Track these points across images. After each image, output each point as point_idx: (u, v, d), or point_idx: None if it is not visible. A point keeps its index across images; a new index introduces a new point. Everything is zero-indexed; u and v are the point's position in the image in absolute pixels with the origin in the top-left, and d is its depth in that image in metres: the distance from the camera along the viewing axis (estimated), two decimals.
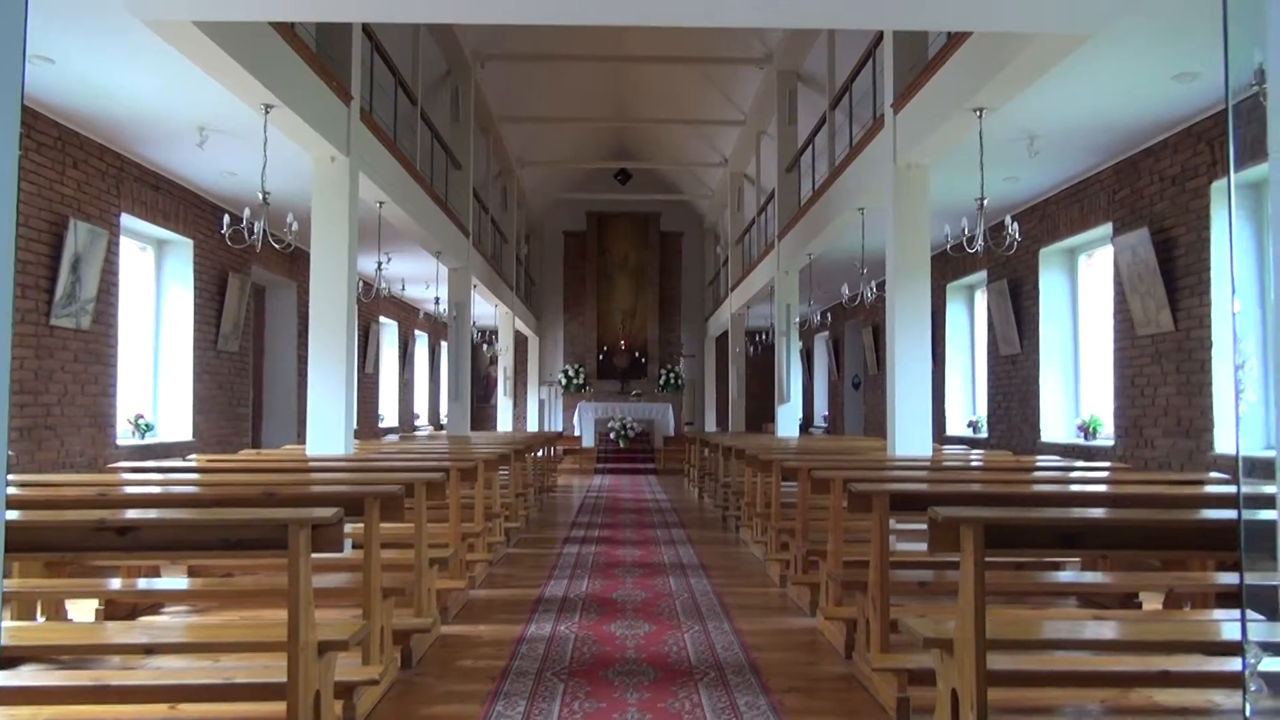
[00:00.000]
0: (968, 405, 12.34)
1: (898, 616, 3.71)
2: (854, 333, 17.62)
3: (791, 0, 4.36)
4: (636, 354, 22.44)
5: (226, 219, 6.28)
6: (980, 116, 5.97)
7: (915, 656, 3.71)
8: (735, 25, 5.65)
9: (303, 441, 10.12)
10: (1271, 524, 1.20)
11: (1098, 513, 3.44)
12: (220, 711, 3.58)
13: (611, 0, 4.47)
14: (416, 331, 19.71)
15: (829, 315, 13.52)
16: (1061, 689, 3.65)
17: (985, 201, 6.05)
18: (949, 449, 9.18)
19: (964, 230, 6.18)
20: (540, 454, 12.70)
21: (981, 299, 11.68)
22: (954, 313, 12.38)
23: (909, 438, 7.26)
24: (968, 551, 2.95)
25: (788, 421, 13.42)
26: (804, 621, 5.37)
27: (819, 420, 21.76)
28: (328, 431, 7.13)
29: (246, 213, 6.08)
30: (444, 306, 13.25)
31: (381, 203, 8.82)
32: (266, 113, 6.09)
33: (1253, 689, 1.23)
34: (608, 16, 4.56)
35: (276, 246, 6.25)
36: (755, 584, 6.55)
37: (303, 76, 6.46)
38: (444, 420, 21.11)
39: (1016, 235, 6.11)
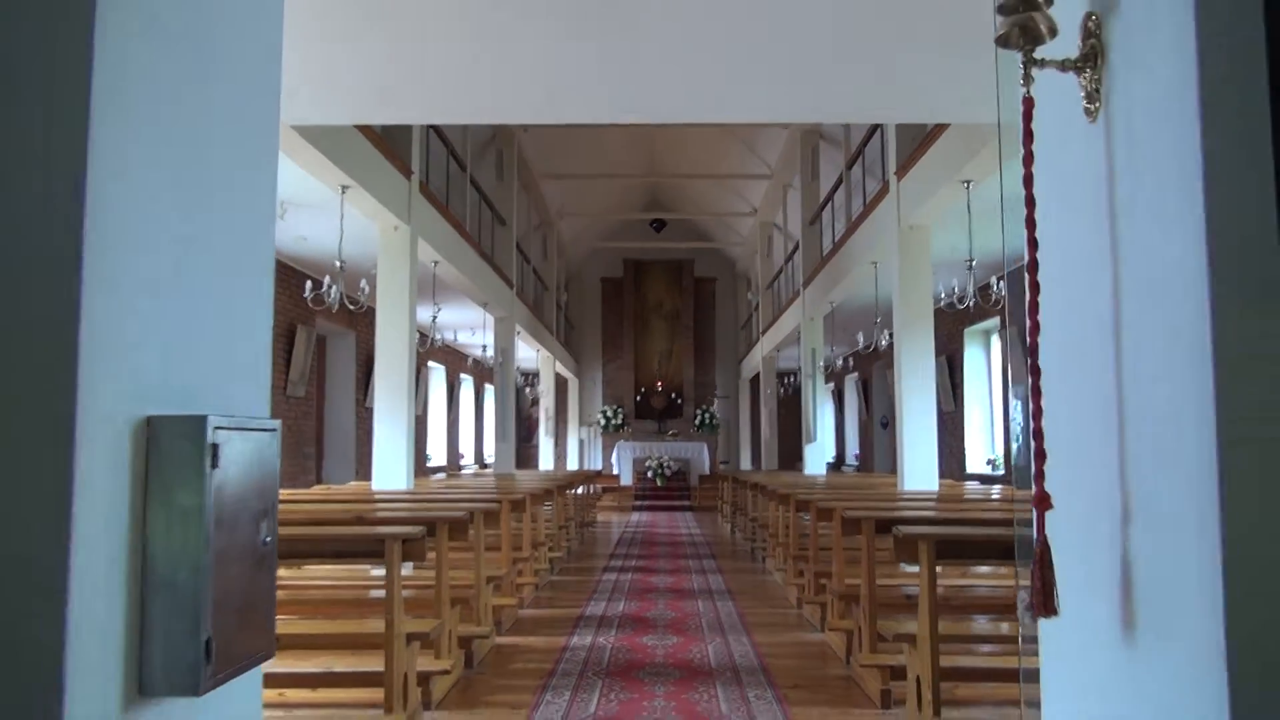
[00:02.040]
0: (988, 444, 12.93)
1: (882, 623, 4.42)
2: (881, 375, 18.27)
3: (784, 101, 5.20)
4: (672, 395, 23.22)
5: (309, 284, 7.22)
6: (969, 188, 6.73)
7: (897, 657, 4.41)
8: (734, 122, 6.48)
9: (361, 478, 11.03)
10: None
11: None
12: (318, 698, 4.38)
13: (629, 103, 5.34)
14: (463, 375, 20.70)
15: (851, 360, 14.22)
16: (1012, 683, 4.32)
17: (974, 262, 6.80)
18: (969, 485, 9.81)
19: (955, 289, 6.94)
20: (580, 491, 13.48)
21: (997, 343, 12.33)
22: (972, 356, 13.02)
23: (917, 474, 7.94)
24: (924, 561, 3.68)
25: (815, 460, 14.08)
26: (815, 636, 6.06)
27: (850, 458, 22.33)
28: (391, 469, 7.99)
29: (326, 280, 7.01)
30: (490, 352, 14.17)
31: (436, 262, 9.77)
32: (343, 192, 7.04)
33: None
34: (627, 116, 5.46)
35: (351, 308, 7.18)
36: (775, 606, 7.24)
37: (372, 159, 7.43)
38: (488, 459, 22.02)
39: (1004, 294, 6.83)
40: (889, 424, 18.50)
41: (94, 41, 1.24)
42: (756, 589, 8.13)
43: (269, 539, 1.81)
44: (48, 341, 1.22)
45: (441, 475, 14.99)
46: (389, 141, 8.08)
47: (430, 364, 17.63)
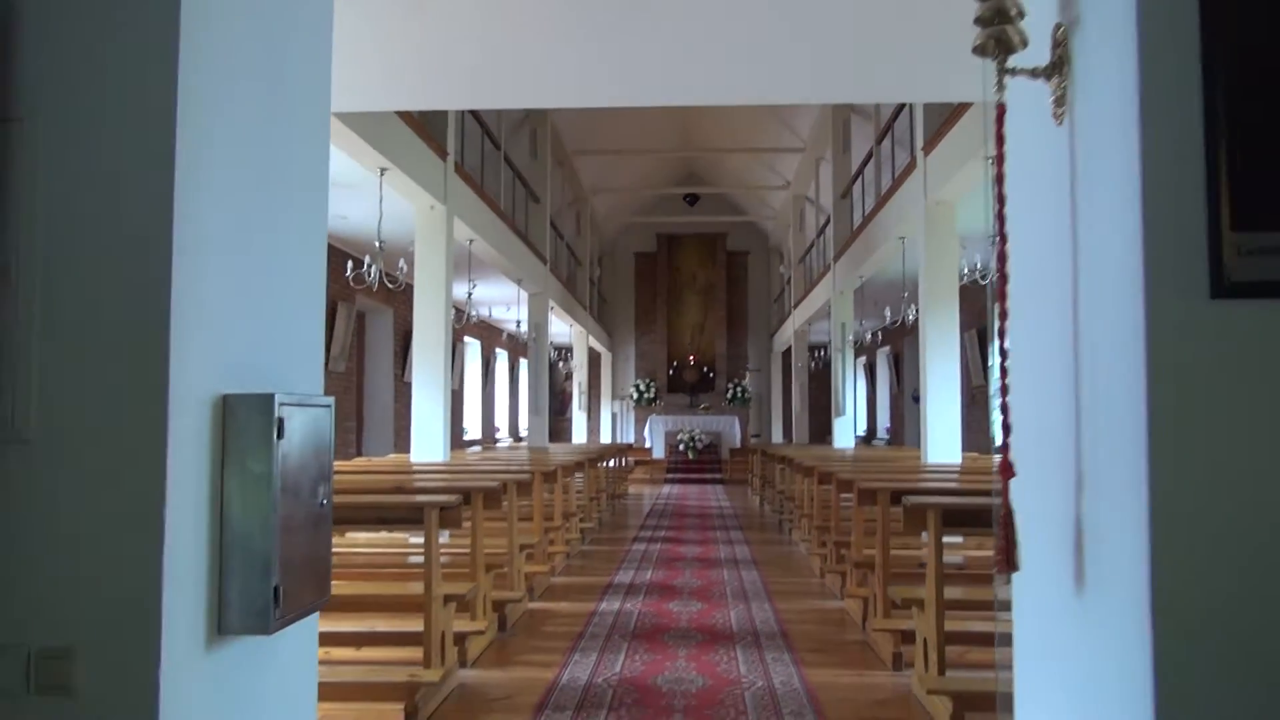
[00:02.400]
0: None
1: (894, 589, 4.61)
2: (912, 349, 18.27)
3: (800, 82, 5.33)
4: (705, 369, 23.39)
5: (350, 263, 7.49)
6: (991, 162, 6.79)
7: (908, 622, 4.60)
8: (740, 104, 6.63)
9: (399, 451, 11.37)
10: None
11: None
12: (361, 656, 4.67)
13: (662, 86, 5.51)
14: (497, 349, 21.01)
15: (881, 334, 14.28)
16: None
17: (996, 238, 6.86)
18: (996, 458, 9.91)
19: (977, 264, 7.03)
20: (612, 464, 13.74)
21: None
22: None
23: (941, 447, 8.08)
24: (931, 529, 3.86)
25: (844, 433, 14.20)
26: (835, 604, 6.27)
27: (881, 432, 22.39)
28: (429, 441, 8.29)
29: (367, 259, 7.27)
30: (524, 328, 14.43)
31: (471, 240, 10.00)
32: (381, 174, 7.28)
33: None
34: (663, 99, 5.62)
35: (390, 286, 7.44)
36: (799, 575, 7.45)
37: (410, 141, 7.65)
38: (522, 432, 22.39)
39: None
40: (919, 398, 18.55)
41: (179, 50, 1.46)
42: (781, 559, 8.34)
43: (325, 501, 2.05)
44: (144, 332, 1.46)
45: (477, 448, 15.33)
46: (426, 124, 8.29)
47: (466, 339, 17.96)
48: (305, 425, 1.88)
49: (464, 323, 11.32)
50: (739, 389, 22.89)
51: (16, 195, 1.48)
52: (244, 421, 1.73)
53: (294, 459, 1.83)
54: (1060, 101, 1.73)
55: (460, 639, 4.56)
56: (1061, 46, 1.72)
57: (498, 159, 11.73)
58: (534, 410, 14.17)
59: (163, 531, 1.44)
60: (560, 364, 20.90)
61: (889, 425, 21.47)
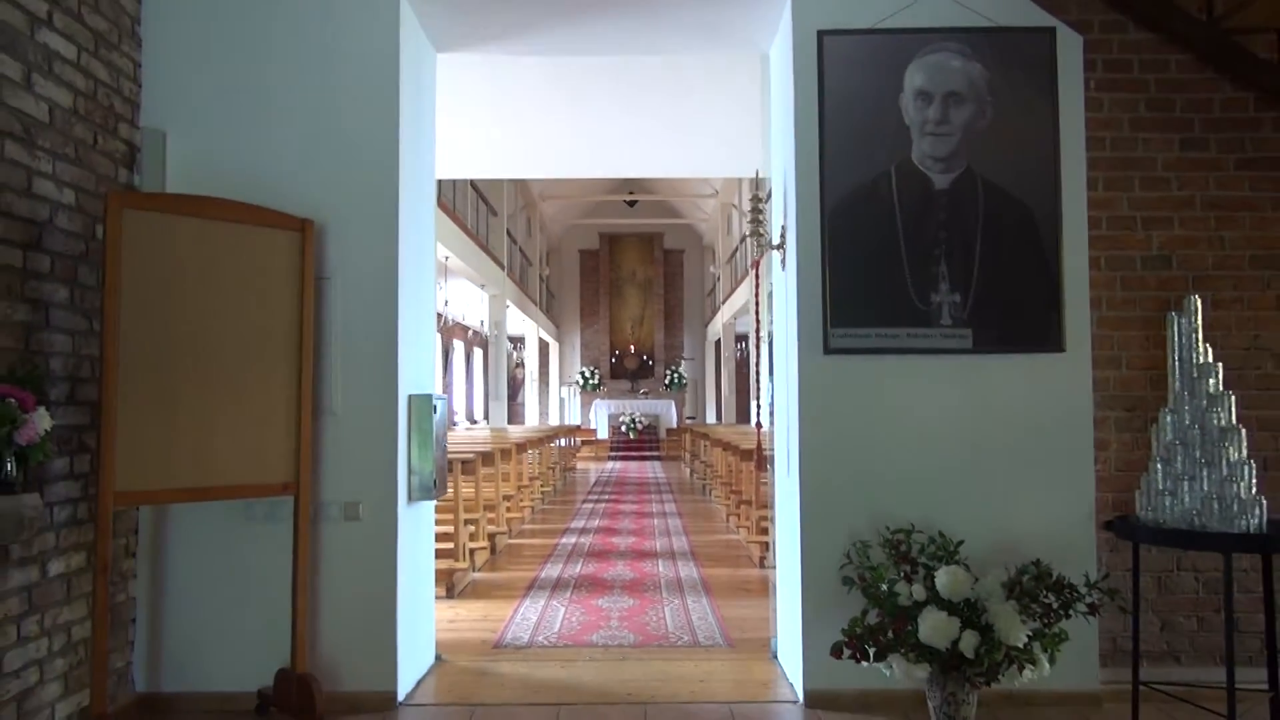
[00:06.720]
0: None
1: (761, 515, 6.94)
2: None
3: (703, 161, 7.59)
4: (644, 357, 25.69)
5: None
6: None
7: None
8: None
9: None
10: None
11: None
12: None
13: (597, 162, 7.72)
14: (455, 341, 22.98)
15: None
16: None
17: None
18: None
19: None
20: (562, 443, 15.94)
21: None
22: None
23: None
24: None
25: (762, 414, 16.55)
26: (734, 536, 8.60)
27: None
28: None
29: None
30: (484, 325, 16.50)
31: (447, 257, 12.09)
32: None
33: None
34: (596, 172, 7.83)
35: None
36: (711, 521, 9.78)
37: None
38: (477, 416, 24.44)
39: None
40: None
41: (399, 242, 3.67)
42: (700, 511, 10.67)
43: (444, 444, 4.27)
44: (386, 367, 3.70)
45: None
46: None
47: None
48: (441, 408, 4.11)
49: (443, 326, 13.37)
50: (675, 375, 25.23)
51: (328, 311, 3.69)
52: (420, 407, 3.95)
53: (438, 423, 4.05)
54: (784, 261, 4.04)
55: (470, 553, 6.75)
56: (783, 235, 4.03)
57: (465, 184, 13.80)
58: (494, 397, 16.30)
59: (396, 454, 3.68)
60: (513, 352, 22.95)
61: None
